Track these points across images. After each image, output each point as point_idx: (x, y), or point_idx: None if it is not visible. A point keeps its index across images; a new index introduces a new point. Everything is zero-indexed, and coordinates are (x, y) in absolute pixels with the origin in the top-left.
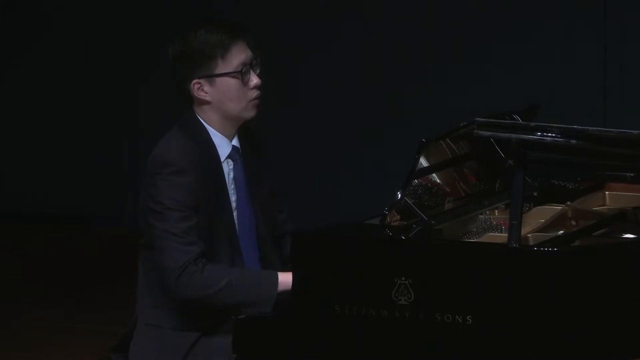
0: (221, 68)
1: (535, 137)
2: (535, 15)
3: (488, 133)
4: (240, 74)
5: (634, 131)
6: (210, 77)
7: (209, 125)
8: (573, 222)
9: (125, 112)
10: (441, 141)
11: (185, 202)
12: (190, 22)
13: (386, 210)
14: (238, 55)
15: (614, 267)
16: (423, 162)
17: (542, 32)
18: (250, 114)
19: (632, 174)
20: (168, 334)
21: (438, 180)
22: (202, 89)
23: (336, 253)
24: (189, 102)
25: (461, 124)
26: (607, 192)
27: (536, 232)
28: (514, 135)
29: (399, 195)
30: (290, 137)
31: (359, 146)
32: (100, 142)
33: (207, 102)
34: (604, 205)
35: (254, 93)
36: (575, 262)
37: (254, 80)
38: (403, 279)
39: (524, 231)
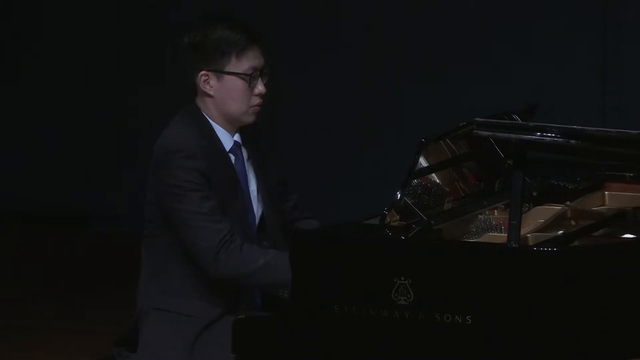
0: (232, 67)
1: (534, 137)
2: (535, 16)
3: (487, 133)
4: (249, 78)
5: (633, 131)
6: (219, 72)
7: (211, 119)
8: (572, 222)
9: (125, 112)
10: (440, 141)
11: (202, 183)
12: (211, 13)
13: (386, 210)
14: (252, 59)
15: (613, 267)
16: (422, 162)
17: (542, 32)
18: (249, 119)
19: (631, 174)
20: (176, 319)
21: (437, 180)
22: (208, 82)
23: (335, 253)
24: (194, 91)
25: (460, 124)
26: (606, 192)
27: (536, 232)
28: (513, 135)
29: (399, 195)
30: (290, 138)
31: (358, 146)
32: (100, 142)
33: (210, 96)
34: (603, 205)
35: (257, 100)
36: (574, 262)
37: (260, 87)
38: (402, 279)
39: (523, 231)
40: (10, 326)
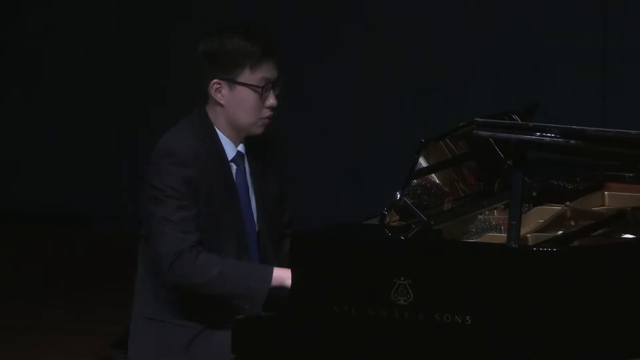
0: (245, 78)
1: (534, 137)
2: (535, 16)
3: (487, 133)
4: (261, 90)
5: (632, 131)
6: (232, 82)
7: (217, 127)
8: (572, 222)
9: (125, 112)
10: (440, 141)
11: (184, 192)
12: (230, 24)
13: (385, 211)
14: (265, 72)
15: (613, 267)
16: (422, 162)
17: (542, 32)
18: (257, 130)
19: (631, 174)
20: (168, 328)
21: (437, 181)
22: (219, 91)
23: (335, 253)
24: (203, 99)
25: (460, 124)
26: (606, 192)
27: (535, 232)
28: (513, 136)
29: (398, 196)
30: (291, 137)
31: (358, 146)
32: (101, 142)
33: (221, 105)
34: (603, 205)
35: (267, 112)
36: (574, 262)
37: (271, 100)
38: (402, 279)
39: (523, 231)
40: (10, 326)
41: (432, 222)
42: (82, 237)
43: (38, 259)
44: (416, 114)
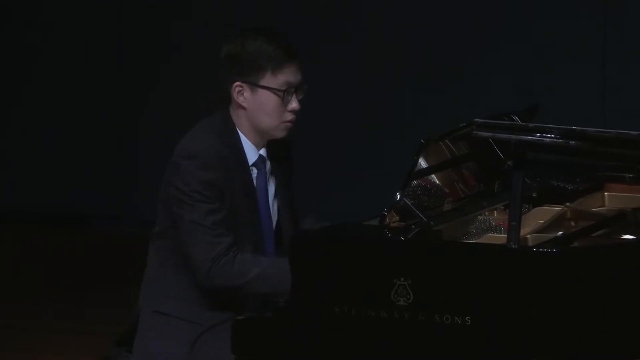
0: (267, 81)
1: (534, 138)
2: (535, 16)
3: (487, 134)
4: (283, 94)
5: (633, 132)
6: (254, 85)
7: (240, 130)
8: (572, 223)
9: (125, 112)
10: (440, 142)
11: (211, 195)
12: (253, 26)
13: (385, 211)
14: (287, 75)
15: (613, 268)
16: (422, 162)
17: (541, 31)
18: (280, 134)
19: (631, 175)
20: (175, 323)
21: (437, 181)
22: (242, 94)
23: (335, 253)
24: (226, 102)
25: (460, 125)
26: (606, 193)
27: (535, 233)
28: (513, 136)
29: (398, 196)
30: (291, 138)
31: (358, 147)
32: (101, 142)
33: (243, 108)
34: (603, 206)
35: (289, 116)
36: (574, 263)
37: (294, 104)
38: (402, 279)
39: (523, 232)
40: (10, 326)
41: (432, 223)
42: (82, 237)
43: (38, 259)
44: (416, 114)
